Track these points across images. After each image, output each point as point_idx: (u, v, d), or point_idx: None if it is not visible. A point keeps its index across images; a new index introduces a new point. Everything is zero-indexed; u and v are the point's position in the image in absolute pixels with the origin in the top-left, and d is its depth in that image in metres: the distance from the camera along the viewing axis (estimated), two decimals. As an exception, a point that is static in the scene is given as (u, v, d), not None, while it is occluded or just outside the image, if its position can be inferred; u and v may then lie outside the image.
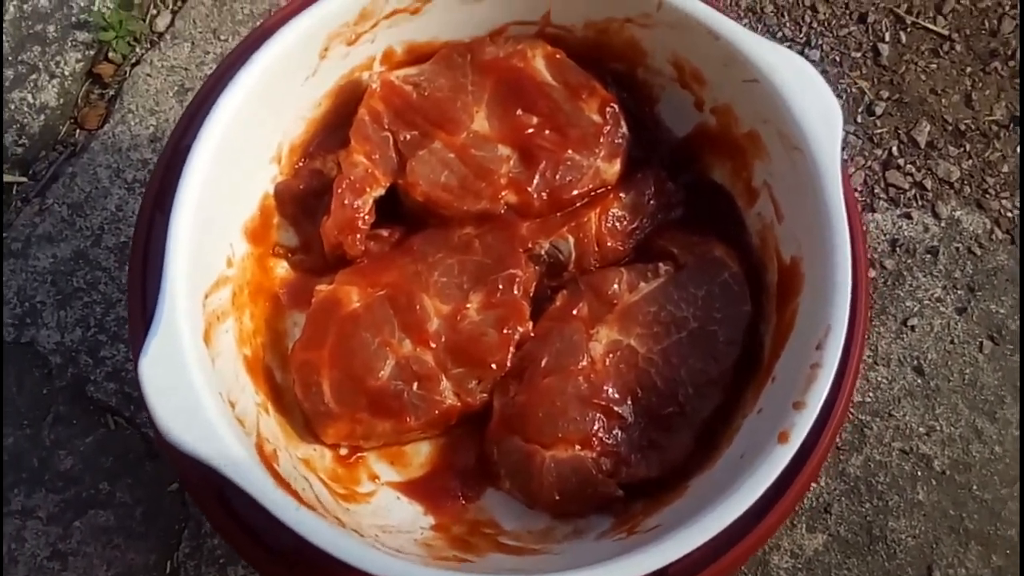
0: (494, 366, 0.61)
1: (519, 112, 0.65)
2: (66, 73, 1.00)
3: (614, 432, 0.60)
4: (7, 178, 0.96)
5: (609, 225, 0.66)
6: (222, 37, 1.01)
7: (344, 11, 0.60)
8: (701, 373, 0.62)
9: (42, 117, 0.98)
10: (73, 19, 1.01)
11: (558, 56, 0.66)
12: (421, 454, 0.62)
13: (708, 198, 0.68)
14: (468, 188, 0.63)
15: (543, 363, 0.61)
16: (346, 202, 0.62)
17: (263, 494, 0.49)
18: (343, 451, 0.61)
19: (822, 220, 0.56)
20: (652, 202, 0.67)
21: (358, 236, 0.62)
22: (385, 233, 0.65)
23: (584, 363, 0.62)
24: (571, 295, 0.64)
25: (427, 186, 0.63)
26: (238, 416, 0.54)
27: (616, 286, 0.64)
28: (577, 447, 0.59)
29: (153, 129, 0.99)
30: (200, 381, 0.51)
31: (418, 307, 0.61)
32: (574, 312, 0.63)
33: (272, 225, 0.64)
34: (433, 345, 0.61)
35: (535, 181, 0.64)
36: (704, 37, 0.60)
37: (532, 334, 0.63)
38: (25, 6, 1.00)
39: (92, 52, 1.01)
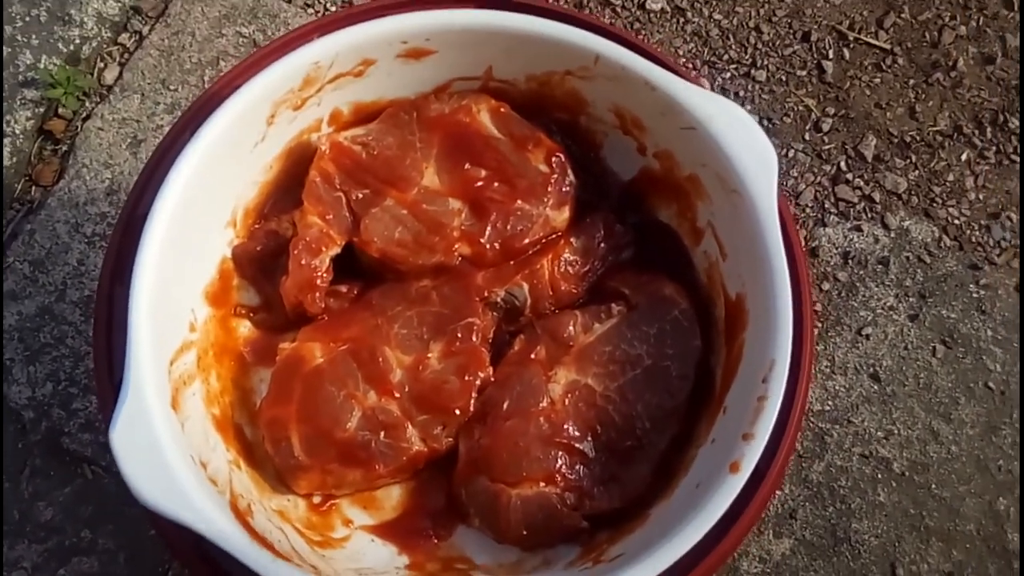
0: (458, 412, 0.65)
1: (467, 166, 0.69)
2: (17, 131, 1.02)
3: (576, 468, 0.65)
4: None
5: (562, 270, 0.70)
6: (171, 87, 1.04)
7: (288, 78, 0.64)
8: (657, 407, 0.66)
9: (-3, 177, 1.00)
10: (20, 77, 1.04)
11: (502, 109, 0.70)
12: (392, 497, 0.66)
13: (656, 238, 0.73)
14: (422, 243, 0.67)
15: (504, 406, 0.65)
16: (303, 262, 0.65)
17: (239, 550, 0.53)
18: (316, 499, 0.65)
19: (762, 260, 0.61)
20: (602, 244, 0.71)
21: (317, 294, 0.66)
22: (343, 289, 0.69)
23: (544, 404, 0.66)
24: (528, 339, 0.69)
25: (382, 243, 0.67)
26: (210, 476, 0.57)
27: (571, 328, 0.68)
28: (541, 484, 0.64)
29: (109, 182, 1.02)
30: (171, 448, 0.54)
31: (380, 359, 0.65)
32: (532, 356, 0.68)
33: (232, 287, 0.68)
34: (397, 395, 0.65)
35: (487, 232, 0.68)
36: (641, 88, 0.65)
37: (493, 379, 0.67)
38: (-28, 67, 1.02)
39: (42, 109, 1.03)
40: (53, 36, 1.05)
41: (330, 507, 0.65)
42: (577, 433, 0.65)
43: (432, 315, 0.67)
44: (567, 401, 0.66)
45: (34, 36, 1.04)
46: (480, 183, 0.69)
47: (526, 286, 0.69)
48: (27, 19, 1.04)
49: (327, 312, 0.67)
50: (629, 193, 0.74)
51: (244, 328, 0.68)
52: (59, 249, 0.99)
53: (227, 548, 0.53)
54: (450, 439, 0.65)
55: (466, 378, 0.66)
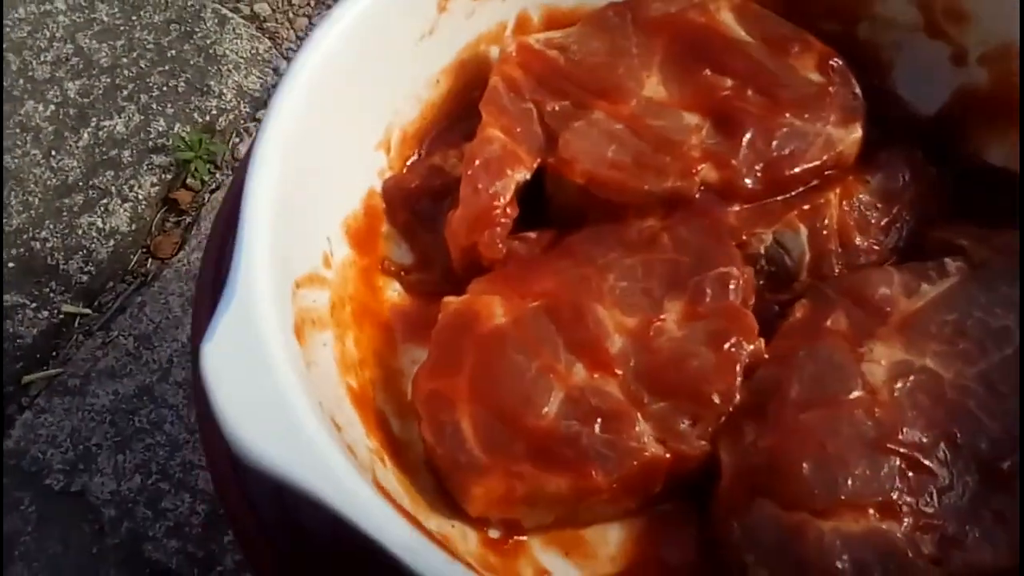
0: (716, 398, 0.43)
1: (707, 72, 0.51)
2: (140, 197, 0.94)
3: (929, 494, 0.40)
4: (69, 309, 0.88)
5: (856, 215, 0.49)
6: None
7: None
8: None
9: (111, 243, 0.91)
10: (151, 143, 0.97)
11: (751, 6, 0.53)
12: (610, 543, 0.44)
13: (987, 186, 0.52)
14: (646, 164, 0.48)
15: (793, 393, 0.43)
16: (480, 186, 0.48)
17: (398, 540, 0.33)
18: (494, 533, 0.43)
19: None
20: (910, 189, 0.50)
21: (498, 231, 0.47)
22: (533, 235, 0.49)
23: (860, 392, 0.43)
24: (815, 303, 0.46)
25: (589, 163, 0.48)
26: (345, 441, 0.37)
27: (886, 289, 0.46)
28: (873, 515, 0.39)
29: (233, 256, 0.90)
30: (292, 383, 0.36)
31: (591, 320, 0.45)
32: (827, 324, 0.45)
33: (379, 234, 0.52)
34: (618, 371, 0.44)
35: (742, 152, 0.49)
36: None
37: (766, 355, 0.44)
38: (100, 132, 0.97)
39: (169, 177, 0.96)
40: (190, 106, 1.00)
41: (516, 546, 0.43)
42: (923, 439, 0.41)
43: (664, 264, 0.46)
44: (896, 390, 0.43)
45: (170, 105, 0.99)
46: (726, 93, 0.50)
47: (804, 231, 0.48)
48: (164, 88, 1.00)
49: (510, 260, 0.48)
50: (936, 131, 0.55)
51: (393, 291, 0.51)
52: (169, 324, 0.89)
53: (377, 534, 0.33)
54: (704, 442, 0.43)
55: (726, 348, 0.43)
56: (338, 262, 0.47)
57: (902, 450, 0.41)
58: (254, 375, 0.35)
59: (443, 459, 0.42)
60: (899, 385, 0.43)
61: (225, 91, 1.01)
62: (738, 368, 0.43)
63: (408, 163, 0.53)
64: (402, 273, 0.51)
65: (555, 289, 0.46)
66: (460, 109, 0.54)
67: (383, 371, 0.48)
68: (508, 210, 0.48)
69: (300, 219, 0.43)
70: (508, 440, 0.42)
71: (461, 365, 0.44)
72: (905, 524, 0.39)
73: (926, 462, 0.41)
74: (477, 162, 0.48)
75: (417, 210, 0.51)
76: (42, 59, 0.99)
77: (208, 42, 1.02)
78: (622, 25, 0.53)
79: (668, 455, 0.42)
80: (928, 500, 0.40)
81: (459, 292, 0.48)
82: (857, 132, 0.50)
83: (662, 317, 0.45)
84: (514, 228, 0.50)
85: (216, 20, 1.04)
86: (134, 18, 1.03)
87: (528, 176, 0.49)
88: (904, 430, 0.42)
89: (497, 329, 0.45)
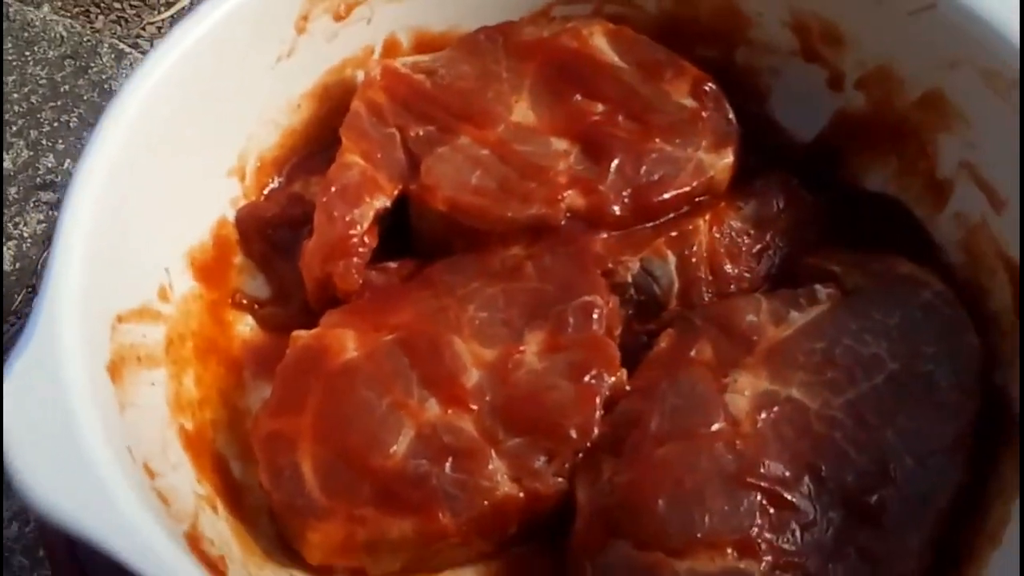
0: (573, 433, 0.42)
1: (578, 97, 0.51)
2: (25, 235, 0.90)
3: (791, 530, 0.39)
4: None
5: (727, 242, 0.48)
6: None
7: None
8: (920, 437, 0.43)
9: (-11, 283, 0.87)
10: (38, 180, 0.94)
11: (626, 31, 0.53)
12: None
13: (863, 210, 0.52)
14: (511, 190, 0.48)
15: (653, 426, 0.42)
16: (336, 214, 0.46)
17: None
18: None
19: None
20: (784, 216, 0.50)
21: (354, 261, 0.46)
22: (393, 265, 0.48)
23: (721, 424, 0.42)
24: (681, 332, 0.46)
25: (451, 189, 0.47)
26: (159, 489, 0.35)
27: (753, 317, 0.46)
28: (731, 553, 0.38)
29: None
30: (87, 417, 0.35)
31: (447, 353, 0.44)
32: (692, 354, 0.44)
33: (231, 265, 0.50)
34: (473, 406, 0.42)
35: (609, 178, 0.48)
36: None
37: (628, 387, 0.43)
38: (-15, 173, 0.94)
39: (56, 214, 0.92)
40: (81, 141, 0.96)
41: (360, 596, 0.40)
42: (786, 472, 0.41)
43: (527, 293, 0.46)
44: (759, 421, 0.42)
45: (61, 141, 0.96)
46: (597, 117, 0.50)
47: (672, 258, 0.47)
48: (55, 124, 0.97)
49: (367, 291, 0.47)
50: (814, 158, 0.55)
51: (245, 326, 0.50)
52: None
53: None
54: (560, 479, 0.42)
55: (586, 380, 0.42)
56: (179, 296, 0.46)
57: (763, 484, 0.40)
58: (50, 415, 0.33)
59: (279, 504, 0.40)
60: (763, 416, 0.42)
61: (117, 126, 0.98)
62: (598, 401, 0.43)
63: (266, 191, 0.52)
64: (255, 307, 0.49)
65: (411, 321, 0.45)
66: (324, 135, 0.53)
67: (227, 411, 0.46)
68: (366, 239, 0.47)
69: (125, 250, 0.41)
70: (352, 482, 0.40)
71: (305, 403, 0.42)
72: (764, 563, 0.38)
73: (788, 496, 0.40)
74: (333, 189, 0.47)
75: (274, 240, 0.50)
76: (-74, 94, 0.96)
77: (104, 77, 1.00)
78: (493, 49, 0.53)
79: (522, 494, 0.41)
80: (790, 537, 0.39)
81: (316, 326, 0.47)
82: (729, 157, 0.50)
83: (521, 349, 0.44)
84: (374, 259, 0.48)
85: (113, 55, 1.01)
86: (27, 53, 1.01)
87: (388, 204, 0.48)
88: (766, 463, 0.41)
89: (347, 364, 0.43)
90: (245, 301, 0.49)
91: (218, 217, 0.49)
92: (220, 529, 0.39)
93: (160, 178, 0.44)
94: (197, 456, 0.42)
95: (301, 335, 0.45)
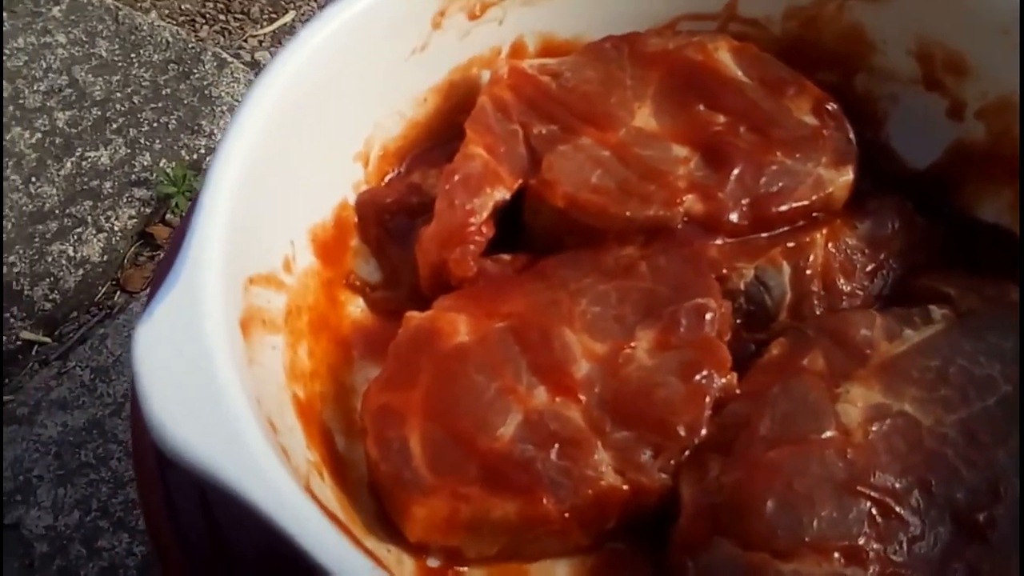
0: (681, 430, 0.43)
1: (700, 107, 0.52)
2: (115, 229, 0.94)
3: (899, 541, 0.40)
4: (27, 336, 0.87)
5: (841, 258, 0.49)
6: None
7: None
8: None
9: (80, 273, 0.91)
10: (133, 176, 0.98)
11: (750, 48, 0.54)
12: None
13: (978, 241, 0.52)
14: (630, 191, 0.49)
15: (762, 429, 0.43)
16: (456, 202, 0.48)
17: (324, 546, 0.33)
18: (433, 562, 0.43)
19: None
20: (899, 238, 0.51)
21: (470, 248, 0.48)
22: (507, 257, 0.50)
23: (832, 432, 0.43)
24: (793, 341, 0.47)
25: (571, 186, 0.49)
26: (281, 443, 0.38)
27: (867, 331, 0.46)
28: (838, 559, 0.38)
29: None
30: (224, 363, 0.37)
31: (557, 344, 0.45)
32: (804, 363, 0.45)
33: (348, 247, 0.52)
34: (582, 397, 0.43)
35: (729, 186, 0.49)
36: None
37: (738, 391, 0.44)
38: (83, 163, 0.98)
39: (148, 211, 0.96)
40: (178, 143, 1.01)
41: (454, 576, 0.42)
42: (896, 485, 0.41)
43: (640, 292, 0.47)
44: (871, 433, 0.42)
45: (158, 141, 1.00)
46: (719, 128, 0.51)
47: (787, 268, 0.48)
48: (154, 124, 1.01)
49: (481, 279, 0.48)
50: (926, 186, 0.55)
51: (356, 307, 0.52)
52: (129, 358, 0.88)
53: (302, 539, 0.33)
54: (665, 475, 0.42)
55: (696, 380, 0.43)
56: (300, 269, 0.48)
57: (873, 494, 0.41)
58: (187, 360, 0.35)
59: (386, 476, 0.42)
60: (875, 428, 0.43)
61: (216, 131, 1.01)
62: (707, 400, 0.43)
63: (386, 179, 0.54)
64: (367, 290, 0.52)
65: (524, 310, 0.46)
66: (445, 130, 0.55)
67: (335, 386, 0.48)
68: (483, 229, 0.49)
69: (261, 216, 0.44)
70: (458, 461, 0.42)
71: (416, 380, 0.44)
72: (871, 571, 0.39)
73: (898, 508, 0.40)
74: (456, 177, 0.49)
75: (390, 226, 0.52)
76: (35, 88, 1.00)
77: (204, 83, 1.04)
78: (618, 57, 0.55)
79: (626, 486, 0.42)
80: (897, 548, 0.40)
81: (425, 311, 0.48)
82: (849, 175, 0.51)
83: (632, 345, 0.45)
84: (488, 250, 0.50)
85: (215, 63, 1.06)
86: (133, 55, 1.05)
87: (508, 196, 0.50)
88: (877, 474, 0.41)
89: (458, 347, 0.45)
90: (358, 283, 0.52)
91: (341, 199, 0.52)
92: (328, 496, 0.41)
93: (295, 153, 0.47)
94: (307, 424, 0.44)
95: (415, 315, 0.47)
